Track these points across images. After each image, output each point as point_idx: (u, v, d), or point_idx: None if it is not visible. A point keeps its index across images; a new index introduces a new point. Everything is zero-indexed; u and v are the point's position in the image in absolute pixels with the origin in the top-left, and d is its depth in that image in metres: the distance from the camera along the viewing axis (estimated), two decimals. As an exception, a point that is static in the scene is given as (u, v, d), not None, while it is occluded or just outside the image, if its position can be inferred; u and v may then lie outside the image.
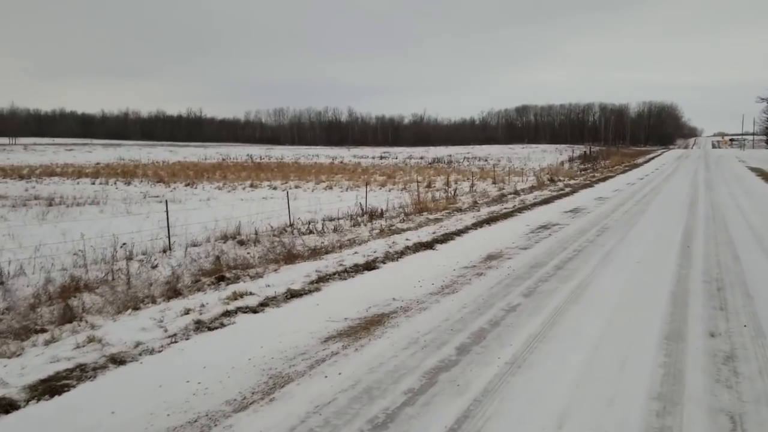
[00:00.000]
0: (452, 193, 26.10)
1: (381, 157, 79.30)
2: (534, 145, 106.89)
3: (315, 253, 12.05)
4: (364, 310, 7.21)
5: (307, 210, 19.84)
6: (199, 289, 8.77)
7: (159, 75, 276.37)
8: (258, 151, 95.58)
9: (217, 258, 11.97)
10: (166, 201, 16.05)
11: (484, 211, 17.72)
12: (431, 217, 17.59)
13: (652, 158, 63.65)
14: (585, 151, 66.37)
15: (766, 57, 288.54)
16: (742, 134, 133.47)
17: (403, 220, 17.57)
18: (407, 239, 12.25)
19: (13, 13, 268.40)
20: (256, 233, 15.98)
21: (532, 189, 26.70)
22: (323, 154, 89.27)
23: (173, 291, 8.64)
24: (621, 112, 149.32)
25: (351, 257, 10.55)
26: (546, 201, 20.41)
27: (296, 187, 30.78)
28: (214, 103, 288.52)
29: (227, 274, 9.97)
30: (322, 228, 16.33)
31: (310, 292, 8.26)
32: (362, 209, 19.75)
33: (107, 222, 16.04)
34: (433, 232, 13.62)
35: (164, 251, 13.27)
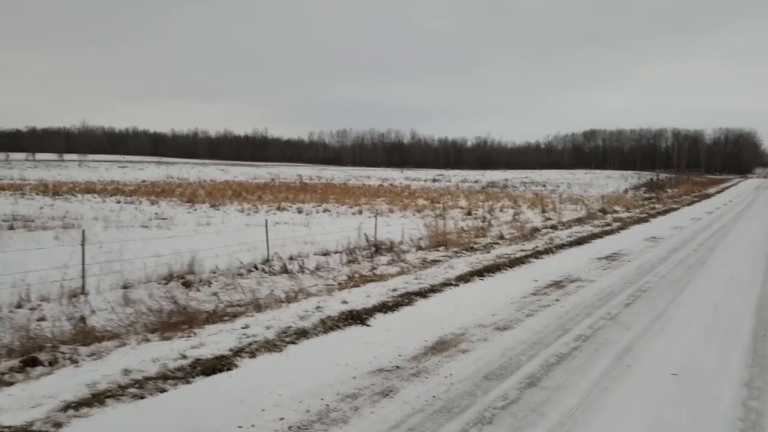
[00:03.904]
0: (487, 223, 22.67)
1: (434, 180, 76.27)
2: (598, 171, 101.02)
3: (217, 316, 8.63)
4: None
5: (305, 240, 16.82)
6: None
7: (226, 96, 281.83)
8: (310, 172, 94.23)
9: (82, 319, 8.88)
10: (83, 231, 13.04)
11: (494, 254, 13.86)
12: (431, 258, 14.17)
13: (727, 188, 57.44)
14: (651, 179, 60.75)
15: None
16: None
17: (393, 262, 14.24)
18: (342, 303, 8.59)
19: (89, 43, 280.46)
20: (215, 272, 13.15)
21: (578, 221, 22.61)
22: (375, 175, 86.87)
23: None
24: (695, 139, 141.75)
25: (254, 328, 7.12)
26: (581, 241, 16.28)
27: (325, 211, 28.63)
28: (279, 123, 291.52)
29: (42, 357, 6.62)
30: (300, 267, 13.22)
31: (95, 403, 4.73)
32: (368, 242, 16.52)
33: (55, 251, 13.45)
34: (404, 285, 9.97)
35: (74, 296, 10.51)
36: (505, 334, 7.15)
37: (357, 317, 7.76)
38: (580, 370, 5.88)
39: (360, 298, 8.95)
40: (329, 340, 6.83)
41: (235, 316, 8.66)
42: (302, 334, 6.96)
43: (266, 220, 16.71)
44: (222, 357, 6.06)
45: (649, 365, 6.03)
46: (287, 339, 6.77)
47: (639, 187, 55.15)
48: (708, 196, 43.09)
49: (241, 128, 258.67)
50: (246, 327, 7.37)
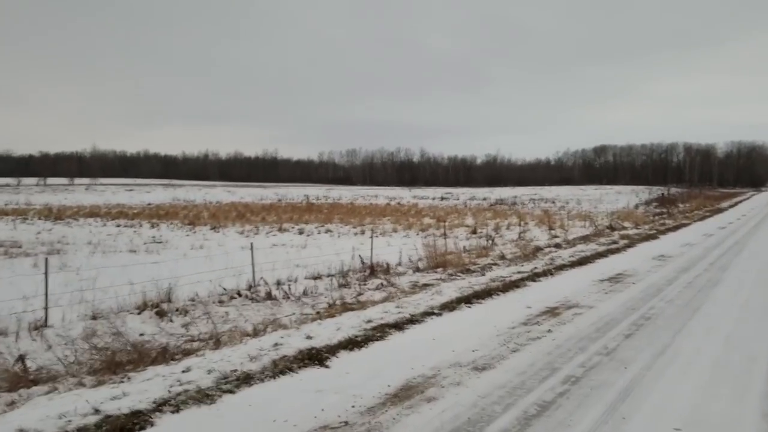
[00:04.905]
0: (491, 242, 21.83)
1: (442, 198, 75.48)
2: (608, 187, 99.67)
3: (168, 354, 7.74)
4: None
5: (298, 263, 16.02)
6: None
7: (237, 118, 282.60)
8: (318, 192, 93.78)
9: (20, 358, 8.04)
10: (46, 259, 12.19)
11: (489, 277, 12.90)
12: (424, 281, 13.43)
13: (740, 202, 56.04)
14: (662, 193, 59.44)
15: None
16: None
17: (382, 286, 13.41)
18: (306, 338, 7.65)
19: (97, 62, 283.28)
20: (194, 299, 12.33)
21: (583, 239, 21.59)
22: (383, 194, 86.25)
23: None
24: (707, 153, 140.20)
25: (195, 371, 6.22)
26: (584, 261, 15.25)
27: (327, 231, 27.85)
28: (289, 144, 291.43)
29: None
30: (286, 293, 12.37)
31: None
32: (363, 264, 15.67)
33: (27, 280, 12.68)
34: (382, 316, 9.04)
35: (36, 328, 9.76)
36: (483, 376, 6.16)
37: (316, 357, 6.81)
38: (564, 424, 4.88)
39: (328, 331, 8.01)
40: (275, 388, 5.87)
41: (188, 353, 7.77)
42: (245, 379, 6.02)
43: (252, 243, 15.87)
44: (138, 413, 5.13)
45: (648, 417, 5.02)
46: (225, 387, 5.82)
47: (650, 202, 53.91)
48: (720, 210, 41.82)
49: (251, 150, 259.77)
50: (187, 370, 6.44)
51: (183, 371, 6.42)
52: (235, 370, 6.33)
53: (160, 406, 5.32)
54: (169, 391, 5.71)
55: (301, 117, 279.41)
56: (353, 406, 5.33)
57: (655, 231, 24.27)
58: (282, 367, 6.41)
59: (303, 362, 6.62)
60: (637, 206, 47.91)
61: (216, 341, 8.51)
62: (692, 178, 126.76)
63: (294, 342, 7.48)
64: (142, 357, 7.67)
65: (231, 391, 5.73)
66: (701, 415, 5.08)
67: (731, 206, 47.83)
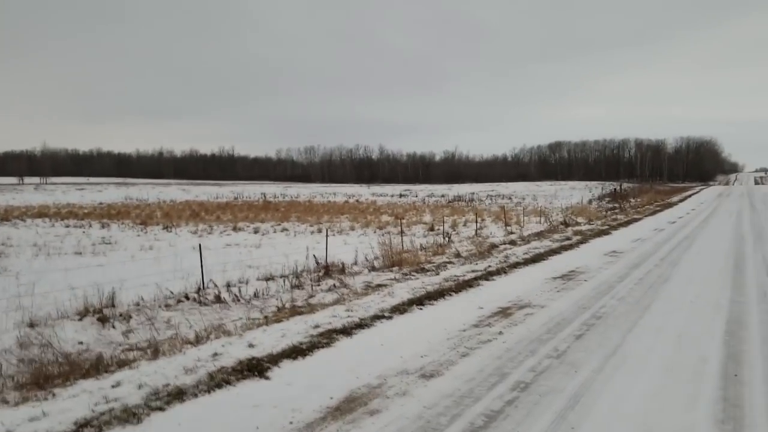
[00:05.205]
0: (448, 240, 21.75)
1: (401, 195, 75.33)
2: (563, 183, 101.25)
3: (102, 366, 7.30)
4: None
5: (250, 264, 15.58)
6: None
7: (192, 115, 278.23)
8: (275, 189, 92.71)
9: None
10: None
11: (443, 276, 12.71)
12: (378, 281, 13.21)
13: (689, 196, 57.41)
14: (615, 189, 60.46)
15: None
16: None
17: (334, 287, 13.10)
18: (248, 347, 7.30)
19: (47, 58, 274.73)
20: (139, 304, 11.78)
21: (538, 235, 21.65)
22: (341, 192, 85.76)
23: None
24: (658, 148, 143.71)
25: (126, 386, 5.81)
26: (537, 258, 15.19)
27: (283, 230, 27.24)
28: (246, 141, 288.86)
29: None
30: (236, 296, 11.93)
31: None
32: (317, 264, 15.29)
33: None
34: (330, 320, 8.76)
35: None
36: (430, 385, 5.91)
37: (257, 367, 6.46)
38: (513, 435, 4.66)
39: (272, 339, 7.67)
40: (208, 403, 5.51)
41: (123, 364, 7.33)
42: (177, 395, 5.64)
43: (200, 244, 15.37)
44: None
45: (598, 426, 4.85)
46: (155, 404, 5.44)
47: (603, 197, 54.77)
48: (671, 205, 42.71)
49: (207, 147, 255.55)
50: (117, 385, 6.04)
51: (113, 386, 6.02)
52: (168, 385, 5.94)
53: (80, 427, 4.91)
54: (93, 410, 5.30)
55: (259, 114, 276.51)
56: (291, 423, 5.02)
57: (607, 226, 24.52)
58: (219, 380, 6.05)
59: (242, 374, 6.27)
60: (590, 201, 48.58)
61: (154, 351, 8.09)
62: (643, 173, 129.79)
63: (235, 351, 7.12)
64: (74, 369, 7.22)
65: (160, 409, 5.35)
66: (653, 423, 4.92)
67: (681, 201, 48.92)
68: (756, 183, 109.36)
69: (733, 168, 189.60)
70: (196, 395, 5.66)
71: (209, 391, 5.78)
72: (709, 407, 5.21)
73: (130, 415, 5.17)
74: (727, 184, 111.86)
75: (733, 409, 5.17)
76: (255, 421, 5.05)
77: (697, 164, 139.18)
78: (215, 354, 6.97)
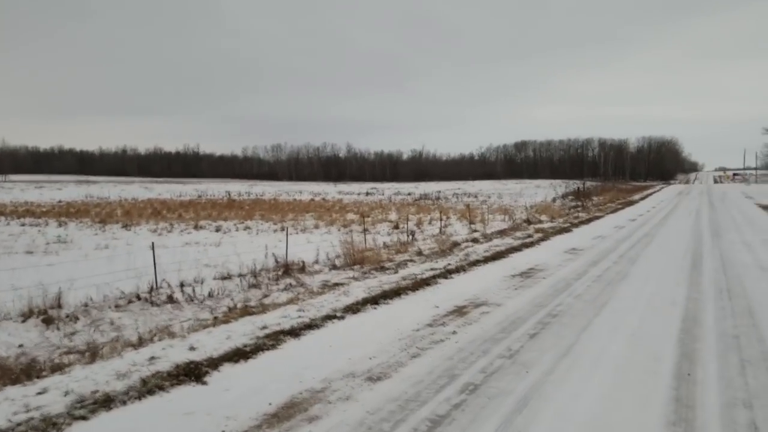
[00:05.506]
0: (412, 238, 21.59)
1: (367, 194, 74.99)
2: (528, 181, 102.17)
3: (34, 371, 6.89)
4: None
5: (208, 263, 15.14)
6: None
7: (156, 112, 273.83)
8: (240, 188, 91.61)
9: None
10: None
11: (401, 275, 12.47)
12: (336, 280, 12.98)
13: (650, 194, 58.28)
14: (578, 187, 61.07)
15: (765, 92, 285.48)
16: (744, 169, 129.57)
17: (290, 287, 12.84)
18: (189, 350, 6.95)
19: (4, 53, 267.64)
20: (87, 305, 11.36)
21: (500, 233, 21.59)
22: (307, 190, 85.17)
23: None
24: (620, 148, 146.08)
25: (52, 393, 5.43)
26: (498, 256, 15.06)
27: (246, 228, 26.67)
28: (211, 139, 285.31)
29: None
30: (190, 296, 11.62)
31: None
32: (277, 263, 14.93)
33: None
34: (280, 321, 8.44)
35: None
36: (376, 388, 5.65)
37: (195, 372, 6.12)
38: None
39: (215, 341, 7.32)
40: (138, 411, 5.16)
41: (57, 369, 6.92)
42: (105, 402, 5.27)
43: (153, 243, 14.88)
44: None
45: (545, 431, 4.63)
46: (79, 412, 5.07)
47: (567, 195, 55.25)
48: (632, 203, 43.24)
49: (171, 145, 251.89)
50: (42, 392, 5.64)
51: (38, 393, 5.62)
52: (97, 391, 5.57)
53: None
54: (10, 421, 4.91)
55: (225, 112, 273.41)
56: (223, 431, 4.70)
57: (569, 224, 24.59)
58: (152, 386, 5.69)
59: (178, 379, 5.92)
60: (554, 200, 48.93)
61: (92, 354, 7.69)
62: (606, 172, 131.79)
63: (174, 354, 6.76)
64: (4, 375, 6.79)
65: (84, 418, 4.98)
66: (603, 425, 4.72)
67: (642, 199, 49.61)
68: (715, 182, 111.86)
69: (693, 167, 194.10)
70: (125, 402, 5.30)
71: (140, 398, 5.42)
72: (661, 409, 5.04)
73: (50, 425, 4.80)
74: (687, 182, 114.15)
75: (686, 410, 5.02)
76: (185, 430, 4.72)
77: (659, 163, 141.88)
78: (152, 358, 6.59)
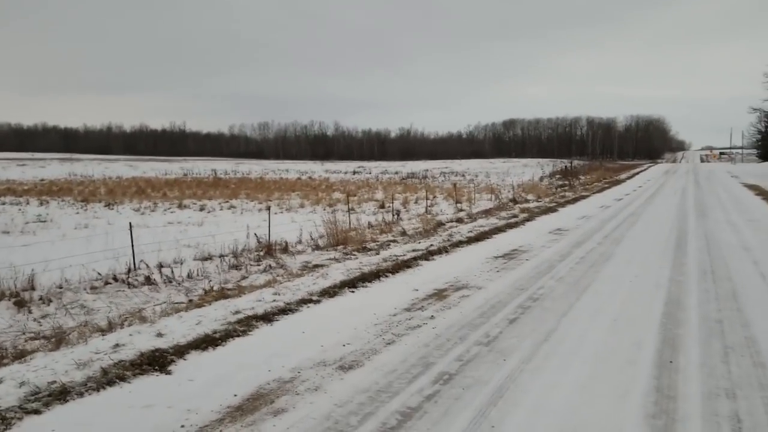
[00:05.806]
0: (397, 217, 21.41)
1: (354, 172, 74.61)
2: (515, 160, 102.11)
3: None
4: None
5: (188, 244, 14.88)
6: None
7: (142, 89, 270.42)
8: (226, 166, 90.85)
9: None
10: None
11: (382, 256, 12.23)
12: (317, 261, 12.76)
13: (637, 173, 58.31)
14: (566, 166, 60.95)
15: (751, 72, 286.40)
16: (730, 148, 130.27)
17: (270, 268, 12.63)
18: (156, 336, 6.68)
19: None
20: (62, 287, 11.13)
21: (486, 213, 21.42)
22: (294, 168, 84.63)
23: None
24: (608, 126, 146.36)
25: (6, 384, 5.13)
26: (481, 236, 14.85)
27: (230, 208, 26.34)
28: (198, 117, 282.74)
29: None
30: (168, 277, 11.43)
31: None
32: (259, 243, 14.73)
33: None
34: (254, 305, 8.18)
35: None
36: (347, 378, 5.42)
37: (159, 360, 5.86)
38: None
39: (185, 327, 7.06)
40: (94, 404, 4.90)
41: (19, 357, 6.64)
42: (60, 394, 5.01)
43: (130, 223, 14.55)
44: None
45: (521, 424, 4.43)
46: (32, 405, 4.80)
47: (554, 174, 55.14)
48: (619, 182, 43.20)
49: (157, 122, 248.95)
50: (-3, 383, 5.36)
51: None
52: (54, 382, 5.30)
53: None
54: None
55: (212, 89, 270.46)
56: (182, 426, 4.46)
57: (555, 203, 24.44)
58: (113, 376, 5.43)
59: (141, 368, 5.66)
60: (541, 179, 48.82)
61: (58, 340, 7.41)
62: (594, 151, 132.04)
63: (140, 341, 6.49)
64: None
65: (37, 411, 4.72)
66: (579, 419, 4.53)
67: (629, 178, 49.60)
68: (702, 161, 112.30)
69: (681, 146, 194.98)
70: (81, 394, 5.04)
71: (98, 390, 5.16)
72: (641, 399, 4.86)
73: (0, 420, 4.53)
74: (674, 161, 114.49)
75: (666, 401, 4.83)
76: (142, 425, 4.48)
77: (646, 142, 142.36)
78: (117, 345, 6.33)
